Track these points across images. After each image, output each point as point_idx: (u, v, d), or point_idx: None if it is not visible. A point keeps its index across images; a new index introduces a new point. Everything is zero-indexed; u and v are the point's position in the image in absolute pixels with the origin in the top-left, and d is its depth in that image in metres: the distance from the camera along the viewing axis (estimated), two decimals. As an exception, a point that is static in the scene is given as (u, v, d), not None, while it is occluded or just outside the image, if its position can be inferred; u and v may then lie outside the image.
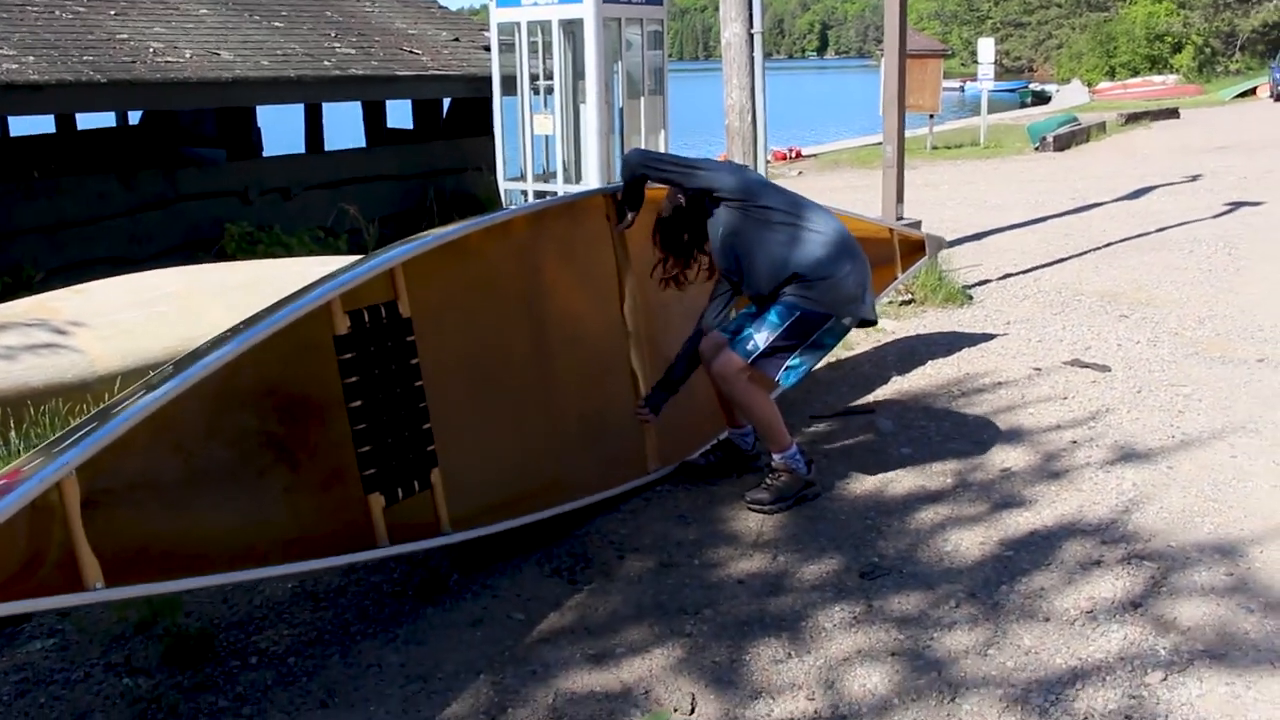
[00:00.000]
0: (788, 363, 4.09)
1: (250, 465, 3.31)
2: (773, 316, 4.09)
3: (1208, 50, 53.33)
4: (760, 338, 4.08)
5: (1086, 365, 5.83)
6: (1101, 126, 23.17)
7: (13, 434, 5.04)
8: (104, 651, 3.33)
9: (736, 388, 4.14)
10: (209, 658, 3.26)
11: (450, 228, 3.86)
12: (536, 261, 4.39)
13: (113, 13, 10.95)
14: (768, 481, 4.22)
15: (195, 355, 2.98)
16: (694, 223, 4.23)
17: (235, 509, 3.24)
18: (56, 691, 3.14)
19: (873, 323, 4.39)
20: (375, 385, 3.36)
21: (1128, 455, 4.55)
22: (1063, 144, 19.99)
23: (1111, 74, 52.97)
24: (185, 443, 3.12)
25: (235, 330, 3.09)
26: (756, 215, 4.09)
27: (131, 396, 2.85)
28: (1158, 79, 44.62)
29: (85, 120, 13.80)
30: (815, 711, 2.92)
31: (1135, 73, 50.78)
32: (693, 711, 2.94)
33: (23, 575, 2.48)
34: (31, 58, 9.34)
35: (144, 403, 2.68)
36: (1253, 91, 36.89)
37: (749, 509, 4.17)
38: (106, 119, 14.16)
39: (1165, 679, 2.96)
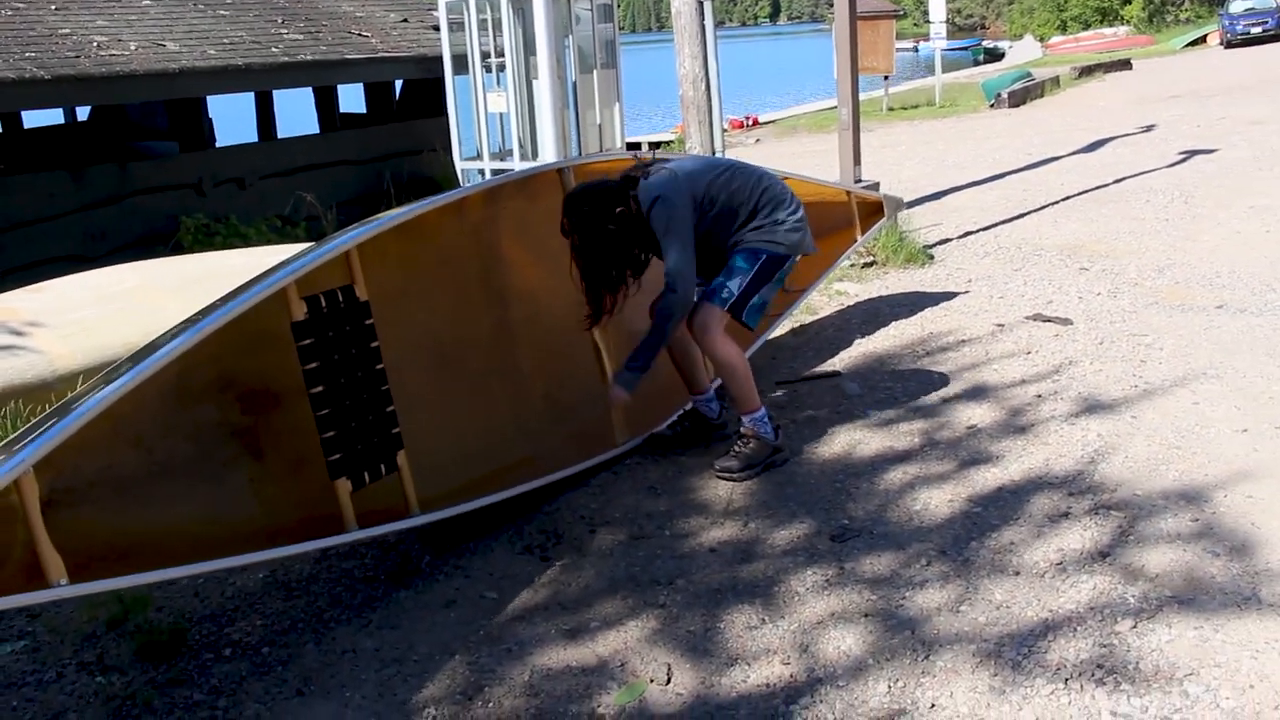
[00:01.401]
0: (751, 302, 4.20)
1: (213, 457, 3.28)
2: (740, 262, 4.19)
3: (1157, 0, 53.54)
4: (733, 284, 4.17)
5: (1048, 319, 5.86)
6: (1055, 81, 23.26)
7: (-27, 438, 4.98)
8: (76, 651, 3.30)
9: (717, 342, 4.17)
10: (182, 652, 3.24)
11: (404, 208, 3.83)
12: (493, 239, 4.37)
13: (53, 8, 10.78)
14: (736, 449, 4.23)
15: (151, 348, 2.95)
16: (641, 231, 4.11)
17: (200, 502, 3.21)
18: (29, 693, 3.11)
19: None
20: (336, 370, 3.33)
21: (1092, 407, 4.58)
22: (1018, 100, 20.05)
23: (1063, 28, 53.16)
24: (145, 437, 3.09)
25: (191, 321, 3.06)
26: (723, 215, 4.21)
27: (88, 392, 2.82)
28: (1109, 31, 44.82)
29: (32, 118, 13.60)
30: (791, 676, 2.93)
31: (1087, 26, 50.98)
32: (669, 681, 2.94)
33: None
34: (-27, 56, 9.20)
35: (100, 396, 2.65)
36: (1203, 39, 37.10)
37: (719, 477, 4.18)
38: (54, 116, 13.97)
39: (1135, 626, 2.99)
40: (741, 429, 4.26)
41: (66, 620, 3.46)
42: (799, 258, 4.38)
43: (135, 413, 2.85)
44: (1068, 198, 9.47)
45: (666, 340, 4.19)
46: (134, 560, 2.81)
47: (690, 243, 4.08)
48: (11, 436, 2.80)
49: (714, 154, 9.90)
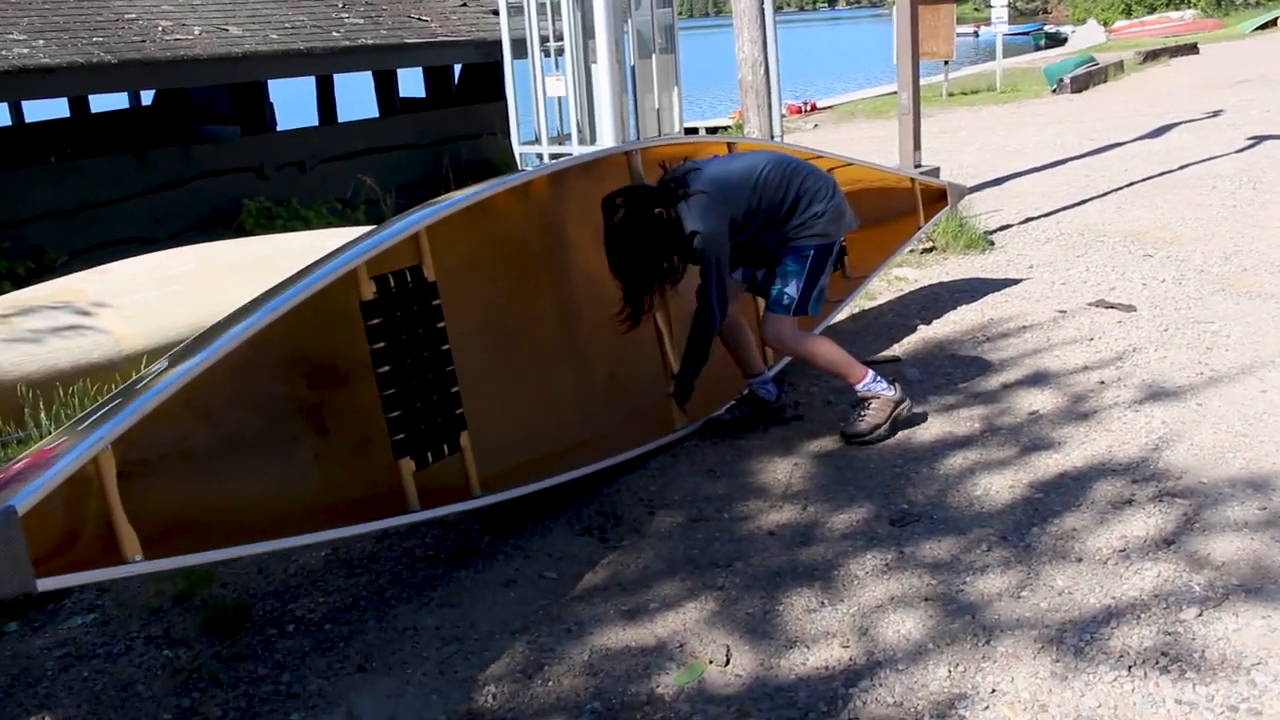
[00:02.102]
0: (812, 295, 4.29)
1: (280, 432, 3.33)
2: (790, 264, 4.25)
3: (1225, -17, 52.53)
4: (790, 289, 4.25)
5: (1112, 306, 5.78)
6: (1119, 66, 22.90)
7: (43, 415, 5.08)
8: (144, 625, 3.37)
9: (798, 348, 4.34)
10: (247, 627, 3.29)
11: (472, 190, 3.85)
12: (558, 220, 4.38)
13: (120, -7, 10.93)
14: (860, 413, 4.29)
15: (223, 326, 2.99)
16: (677, 239, 4.09)
17: (266, 476, 3.26)
18: (99, 665, 3.18)
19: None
20: (403, 350, 3.36)
21: (1156, 394, 4.52)
22: (1080, 85, 19.77)
23: (1128, 12, 52.34)
24: (215, 411, 3.13)
25: (262, 299, 3.09)
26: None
27: (160, 370, 2.86)
28: (1175, 15, 44.05)
29: (99, 103, 13.81)
30: (850, 659, 2.92)
31: (1152, 10, 50.17)
32: (728, 663, 2.95)
33: (62, 550, 2.50)
34: (41, 41, 9.35)
35: (177, 374, 2.69)
36: (1273, 23, 36.36)
37: (851, 444, 4.24)
38: (119, 100, 14.18)
39: (1200, 615, 2.95)
40: (859, 394, 4.33)
41: (134, 595, 3.53)
42: (844, 242, 4.48)
43: (206, 388, 2.89)
44: (1132, 183, 9.34)
45: (709, 354, 4.28)
46: (203, 534, 2.86)
47: (725, 266, 4.16)
48: (87, 411, 2.86)
49: (772, 138, 9.86)
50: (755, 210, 4.18)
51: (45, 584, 2.31)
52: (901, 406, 4.30)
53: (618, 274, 4.06)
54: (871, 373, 4.31)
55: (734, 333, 4.43)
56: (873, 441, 4.24)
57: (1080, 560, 3.29)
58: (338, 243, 5.00)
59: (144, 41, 9.95)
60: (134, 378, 3.00)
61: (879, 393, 4.28)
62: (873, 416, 4.26)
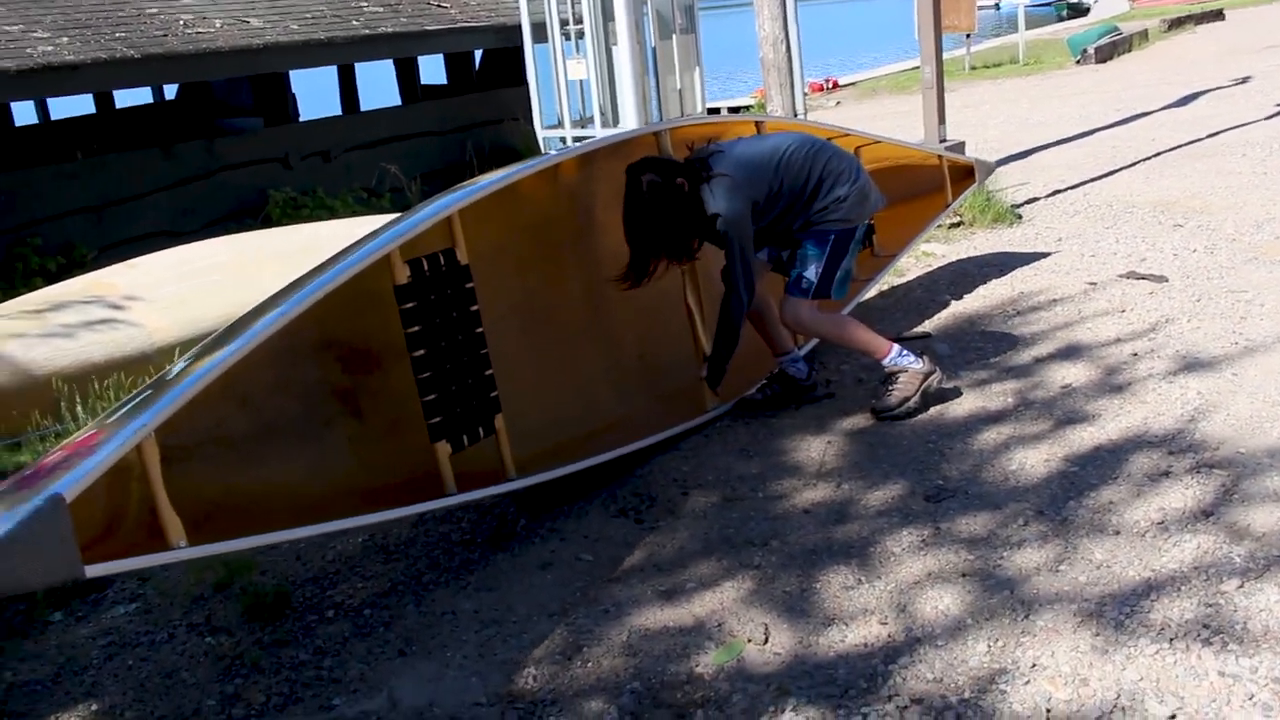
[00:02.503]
0: (834, 279, 4.27)
1: (316, 417, 3.36)
2: (811, 248, 4.25)
3: (1250, -51, 51.89)
4: (809, 272, 4.24)
5: (1143, 277, 5.74)
6: (1144, 34, 22.64)
7: (79, 408, 5.13)
8: (185, 612, 3.40)
9: (819, 328, 4.37)
10: (287, 614, 3.33)
11: (502, 172, 3.85)
12: (588, 202, 4.38)
13: (142, -13, 10.97)
14: (889, 388, 4.28)
15: (258, 313, 3.00)
16: (697, 218, 4.10)
17: (304, 461, 3.29)
18: (143, 653, 3.21)
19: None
20: (437, 333, 3.37)
21: (1190, 365, 4.48)
22: (1105, 55, 19.55)
23: (1151, -20, 51.71)
24: (251, 397, 3.16)
25: (296, 285, 3.11)
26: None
27: (198, 357, 2.88)
28: (1200, -19, 43.50)
29: (123, 98, 13.87)
30: (889, 635, 2.92)
31: (1176, -23, 49.53)
32: (766, 641, 2.95)
33: (107, 536, 2.53)
34: (65, 38, 9.40)
35: (215, 361, 2.71)
36: (1299, -12, 35.86)
37: (882, 420, 4.24)
38: (143, 95, 14.24)
39: (1241, 586, 2.93)
40: (885, 369, 4.31)
41: (175, 583, 3.57)
42: (871, 220, 4.48)
43: (243, 374, 2.90)
44: (1159, 153, 9.25)
45: (739, 338, 4.27)
46: (243, 519, 2.88)
47: (750, 249, 4.15)
48: (119, 404, 2.88)
49: (795, 116, 9.81)
50: (778, 193, 4.17)
51: (93, 570, 2.33)
52: (931, 378, 4.28)
53: (630, 240, 4.06)
54: (897, 347, 4.29)
55: (763, 312, 4.43)
56: (903, 415, 4.23)
57: (1118, 533, 3.28)
58: (365, 231, 4.99)
59: (166, 35, 9.99)
60: (165, 369, 3.01)
61: (906, 366, 4.27)
62: (901, 390, 4.25)
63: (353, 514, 3.02)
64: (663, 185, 3.99)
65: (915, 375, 4.26)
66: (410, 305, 3.31)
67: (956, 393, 4.46)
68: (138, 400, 2.74)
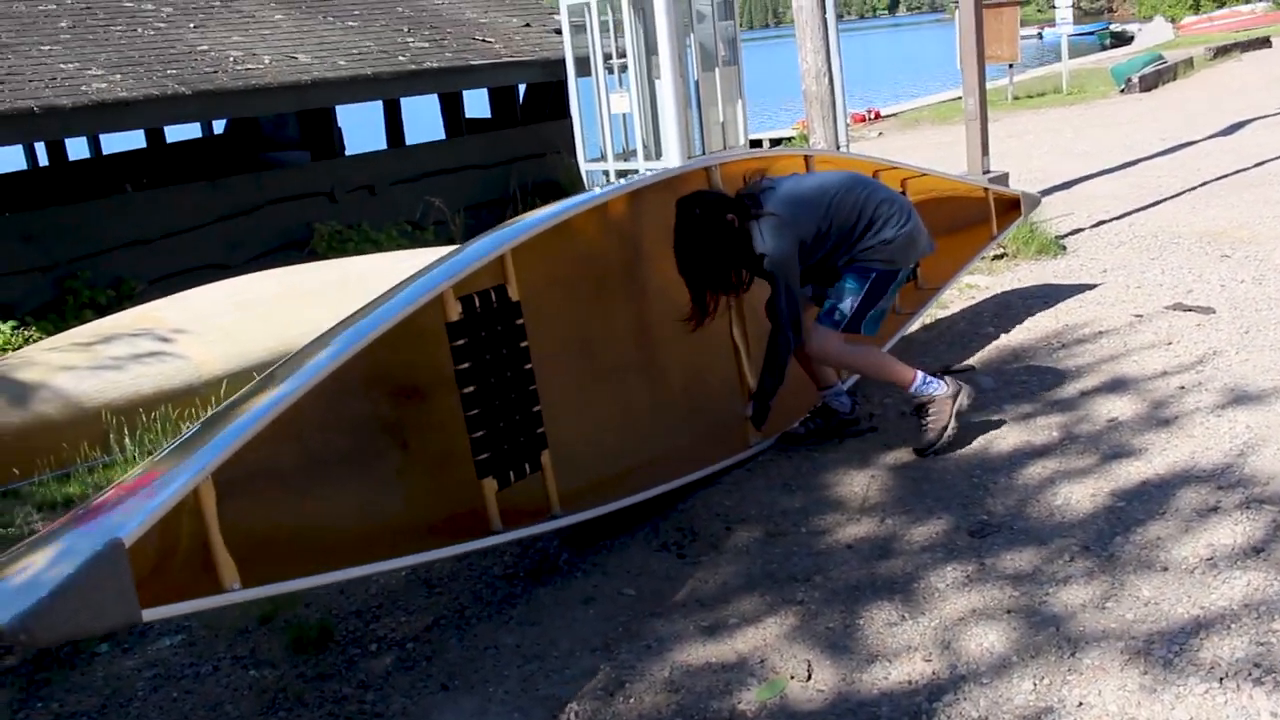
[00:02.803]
0: (867, 315, 4.27)
1: (365, 451, 3.38)
2: (851, 282, 4.25)
3: (1297, -25, 51.50)
4: (845, 305, 4.24)
5: (1190, 308, 5.69)
6: (1189, 63, 22.53)
7: (127, 440, 5.20)
8: (230, 645, 3.43)
9: (843, 359, 4.34)
10: (330, 647, 3.34)
11: (554, 208, 3.86)
12: (637, 236, 4.40)
13: (192, 25, 11.16)
14: (924, 423, 4.26)
15: (313, 350, 3.02)
16: (746, 252, 4.13)
17: (352, 495, 3.31)
18: (188, 685, 3.24)
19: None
20: (487, 370, 3.38)
21: (1239, 398, 4.43)
22: (1149, 84, 19.46)
23: (1196, 7, 51.46)
24: (303, 431, 3.18)
25: (351, 321, 3.14)
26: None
27: (254, 395, 2.91)
28: (1245, 8, 43.18)
29: (173, 133, 14.10)
30: (933, 673, 2.90)
31: (1221, 4, 49.22)
32: (809, 678, 2.94)
33: (163, 579, 2.53)
34: (119, 75, 9.57)
35: (273, 400, 2.72)
36: (1349, 14, 35.56)
37: (926, 456, 4.22)
38: (193, 130, 14.46)
39: (1293, 624, 2.89)
40: (914, 402, 4.30)
41: (221, 616, 3.59)
42: (913, 266, 4.48)
43: (296, 410, 2.93)
44: (1206, 183, 9.18)
45: (784, 375, 4.29)
46: (292, 554, 2.90)
47: (796, 287, 4.18)
48: (175, 440, 2.91)
49: (837, 148, 9.81)
50: (826, 234, 4.19)
51: (150, 615, 2.33)
52: (960, 398, 4.24)
53: (683, 274, 4.10)
54: (921, 374, 4.26)
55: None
56: (945, 447, 4.21)
57: (1166, 570, 3.24)
58: (410, 265, 5.02)
59: (216, 72, 10.15)
60: (224, 402, 3.04)
61: (933, 394, 4.24)
62: (935, 420, 4.23)
63: (400, 551, 3.03)
64: (712, 219, 4.02)
65: (945, 400, 4.23)
66: (461, 342, 3.32)
67: (998, 424, 4.43)
68: (191, 437, 2.77)
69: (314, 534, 3.13)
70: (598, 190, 4.33)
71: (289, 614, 3.54)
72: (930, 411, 4.24)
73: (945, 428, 4.21)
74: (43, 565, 2.27)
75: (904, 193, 5.28)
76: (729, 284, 4.14)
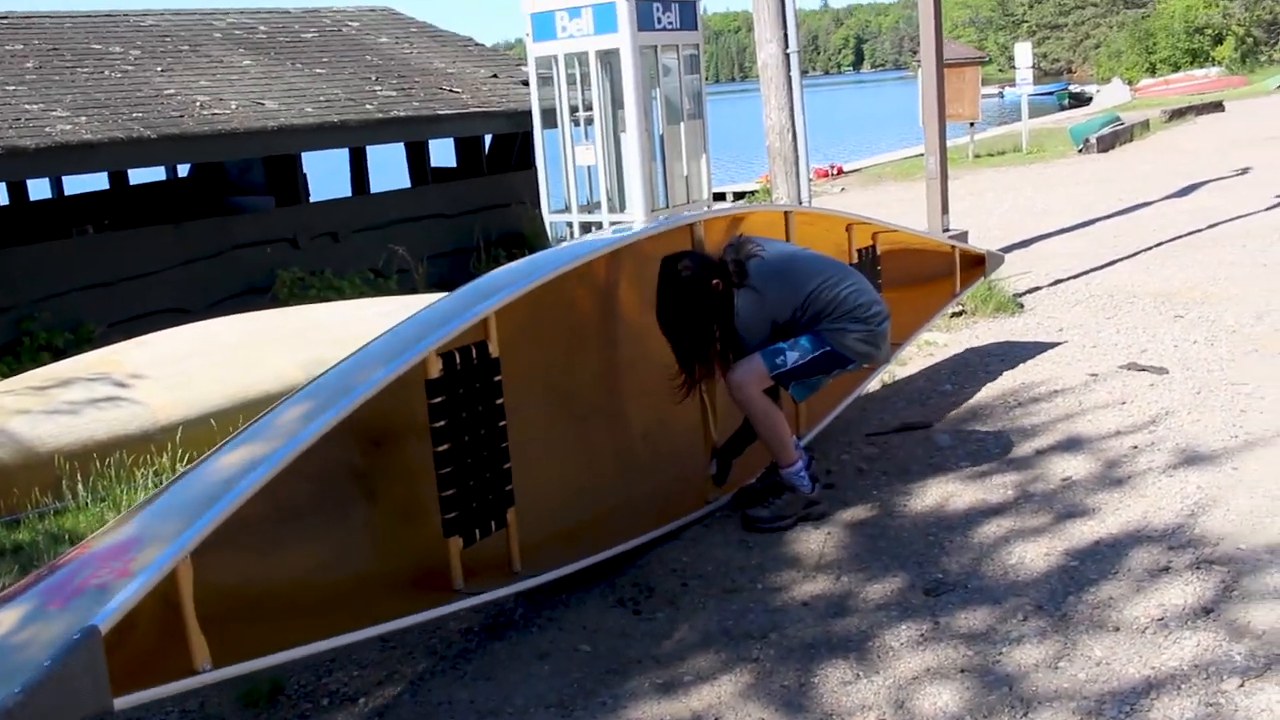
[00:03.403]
0: (802, 380, 4.24)
1: (332, 500, 3.35)
2: (806, 342, 4.19)
3: (1249, 40, 52.73)
4: (792, 356, 4.18)
5: (1144, 368, 5.77)
6: (1145, 125, 22.94)
7: (80, 487, 5.14)
8: (179, 699, 3.37)
9: (752, 396, 4.17)
10: (281, 701, 3.30)
11: (539, 262, 3.85)
12: (615, 291, 4.42)
13: (159, 69, 11.17)
14: (771, 500, 4.24)
15: (295, 410, 2.97)
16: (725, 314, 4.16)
17: (319, 545, 3.27)
18: (136, 741, 3.19)
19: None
20: (462, 428, 3.35)
21: (1191, 458, 4.49)
22: (1106, 145, 19.80)
23: (1152, 70, 52.54)
24: (274, 487, 3.14)
25: (332, 379, 3.10)
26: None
27: (229, 455, 2.85)
28: (1200, 73, 44.18)
29: (136, 175, 14.05)
30: (887, 732, 2.90)
31: (1176, 68, 50.31)
32: (764, 737, 2.93)
33: (135, 664, 2.44)
34: (84, 118, 9.55)
35: (256, 471, 2.67)
36: (1299, 80, 36.38)
37: (747, 528, 4.21)
38: (157, 173, 14.43)
39: (1242, 685, 2.92)
40: (777, 479, 4.28)
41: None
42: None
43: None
44: (1161, 243, 9.33)
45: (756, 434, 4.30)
46: (259, 613, 2.85)
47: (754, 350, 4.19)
48: (154, 495, 2.85)
49: (800, 202, 9.91)
50: (799, 320, 4.20)
51: (122, 702, 2.27)
52: (812, 509, 4.27)
53: (667, 335, 4.11)
54: (801, 463, 4.26)
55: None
56: (768, 531, 4.18)
57: (1118, 630, 3.27)
58: (373, 313, 4.99)
59: (182, 116, 10.15)
60: (199, 461, 2.96)
61: (796, 486, 4.24)
62: (780, 509, 4.22)
63: (366, 614, 2.97)
64: (697, 283, 4.05)
65: (800, 500, 4.24)
66: (439, 399, 3.29)
67: (955, 482, 4.46)
68: (166, 498, 2.71)
69: (281, 589, 3.09)
70: (580, 242, 4.33)
71: (241, 667, 3.50)
72: (783, 497, 4.24)
73: (782, 520, 4.21)
74: (14, 646, 2.22)
75: (874, 246, 5.34)
76: (709, 342, 4.16)
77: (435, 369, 3.27)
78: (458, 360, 3.35)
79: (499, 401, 3.49)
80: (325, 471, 3.36)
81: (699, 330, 4.12)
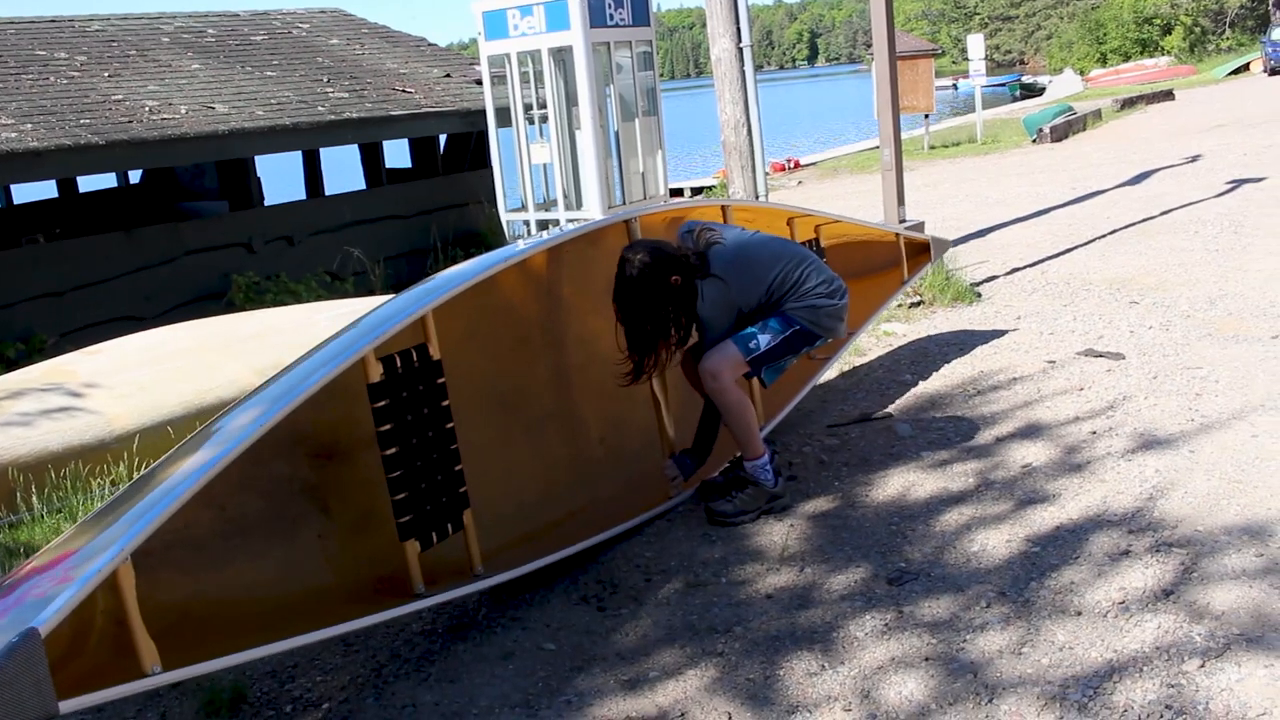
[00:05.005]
0: (773, 363, 4.29)
1: (284, 514, 3.31)
2: (774, 323, 4.23)
3: (1198, 30, 53.32)
4: (764, 340, 4.21)
5: (1100, 355, 5.81)
6: (1097, 114, 23.16)
7: (34, 499, 5.06)
8: (139, 710, 3.33)
9: (728, 386, 4.18)
10: (243, 709, 3.26)
11: (473, 265, 3.84)
12: (557, 290, 4.39)
13: (106, 75, 11.02)
14: (734, 493, 4.26)
15: (234, 415, 2.95)
16: (687, 306, 4.16)
17: (272, 559, 3.24)
18: (95, 755, 3.14)
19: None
20: (409, 431, 3.34)
21: (1148, 442, 4.53)
22: (1060, 134, 19.96)
23: (1103, 61, 53.04)
24: (219, 496, 3.11)
25: (272, 386, 3.08)
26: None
27: (173, 464, 2.83)
28: (1150, 62, 44.61)
29: (86, 183, 13.88)
30: (853, 722, 2.90)
31: (1127, 58, 50.81)
32: (730, 731, 2.92)
33: (81, 667, 2.42)
34: (29, 125, 9.41)
35: (194, 475, 2.64)
36: (1246, 68, 36.85)
37: (712, 521, 4.21)
38: (107, 180, 14.24)
39: (1203, 666, 2.94)
40: (741, 473, 4.29)
41: (130, 679, 3.49)
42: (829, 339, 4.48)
43: (216, 479, 2.84)
44: (1115, 231, 9.41)
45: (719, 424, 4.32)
46: (212, 626, 2.82)
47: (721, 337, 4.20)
48: (100, 508, 2.82)
49: (756, 197, 9.92)
50: (763, 305, 4.23)
51: (67, 705, 2.24)
52: (775, 502, 4.29)
53: (623, 323, 4.10)
54: (767, 457, 4.28)
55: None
56: (731, 525, 4.20)
57: (1080, 614, 3.29)
58: (328, 316, 4.95)
59: (131, 122, 10.02)
60: (144, 470, 2.94)
61: (761, 481, 4.26)
62: (745, 502, 4.24)
63: (320, 615, 2.96)
64: (655, 276, 4.02)
65: (762, 495, 4.26)
66: (383, 403, 3.27)
67: (916, 471, 4.47)
68: (110, 508, 2.69)
69: (234, 604, 3.05)
70: (519, 244, 4.31)
71: (201, 677, 3.45)
72: (747, 491, 4.26)
73: (745, 514, 4.22)
74: None
75: (818, 239, 5.35)
76: (663, 334, 4.14)
77: (376, 373, 3.25)
78: (398, 364, 3.33)
79: (445, 404, 3.47)
80: (279, 487, 3.33)
81: (654, 322, 4.09)
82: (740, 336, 4.20)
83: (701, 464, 4.40)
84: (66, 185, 13.67)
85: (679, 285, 4.07)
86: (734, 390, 4.20)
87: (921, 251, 6.19)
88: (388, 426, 3.28)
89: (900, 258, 6.02)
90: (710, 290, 4.10)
